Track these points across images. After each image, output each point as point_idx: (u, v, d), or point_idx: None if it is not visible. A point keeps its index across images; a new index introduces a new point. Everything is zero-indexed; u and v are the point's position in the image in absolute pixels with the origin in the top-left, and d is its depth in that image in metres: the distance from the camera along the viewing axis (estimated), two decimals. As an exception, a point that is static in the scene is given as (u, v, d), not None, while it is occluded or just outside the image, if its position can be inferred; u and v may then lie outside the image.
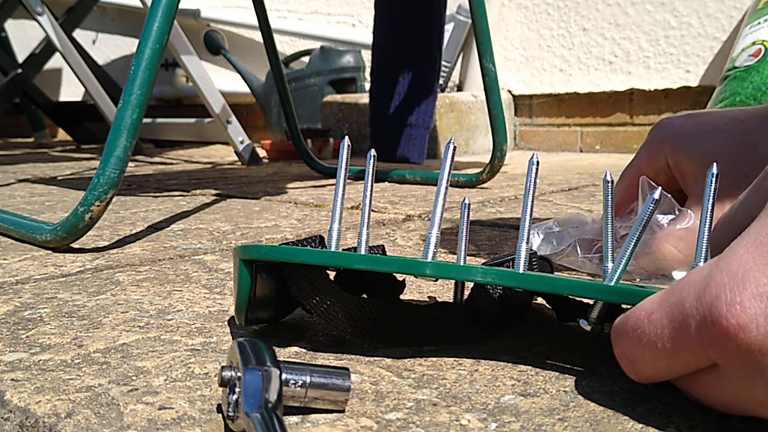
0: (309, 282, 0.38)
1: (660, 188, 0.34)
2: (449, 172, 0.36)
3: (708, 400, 0.29)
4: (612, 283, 0.34)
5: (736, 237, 0.28)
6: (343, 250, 0.42)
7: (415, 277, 0.35)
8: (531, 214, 0.36)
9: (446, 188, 0.36)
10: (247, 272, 0.38)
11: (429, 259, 0.35)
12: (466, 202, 0.38)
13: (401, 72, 1.67)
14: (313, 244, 0.40)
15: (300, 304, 0.39)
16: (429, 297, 0.51)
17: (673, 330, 0.28)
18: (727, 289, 0.26)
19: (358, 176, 1.36)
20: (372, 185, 0.39)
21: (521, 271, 0.36)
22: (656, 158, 0.54)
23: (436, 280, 0.38)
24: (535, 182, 0.36)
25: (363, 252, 0.39)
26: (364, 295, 0.45)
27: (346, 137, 0.39)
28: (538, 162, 0.37)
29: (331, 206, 0.39)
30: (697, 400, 0.30)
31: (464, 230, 0.38)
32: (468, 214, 0.38)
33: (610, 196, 0.36)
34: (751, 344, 0.25)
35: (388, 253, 0.47)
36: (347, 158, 0.39)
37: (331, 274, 0.42)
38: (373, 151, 0.39)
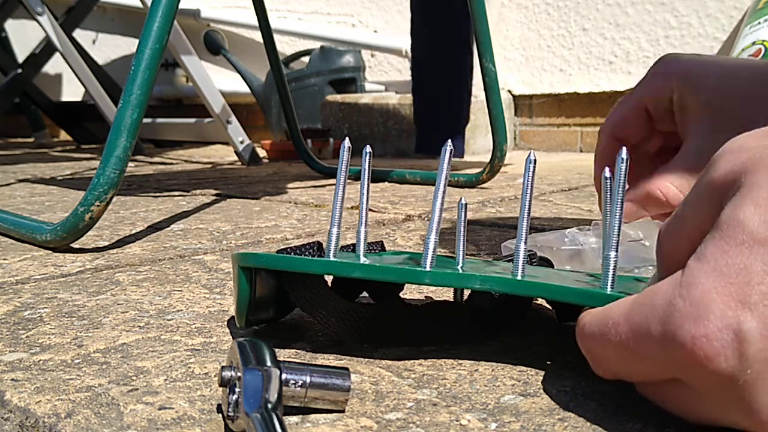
0: (308, 289, 0.38)
1: (625, 148, 0.34)
2: (447, 176, 0.36)
3: (677, 411, 0.29)
4: (608, 291, 0.34)
5: (687, 247, 0.28)
6: (342, 247, 0.42)
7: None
8: (529, 214, 0.36)
9: (444, 192, 0.36)
10: (245, 279, 0.38)
11: (428, 266, 0.35)
12: (463, 202, 0.38)
13: (441, 74, 1.75)
14: (311, 251, 0.40)
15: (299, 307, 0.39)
16: (428, 296, 0.51)
17: (637, 346, 0.28)
18: (692, 320, 0.25)
19: (358, 176, 1.36)
20: (369, 183, 0.39)
21: (519, 274, 0.36)
22: (661, 90, 0.49)
23: None
24: (532, 181, 0.36)
25: (362, 251, 0.39)
26: (365, 293, 0.45)
27: (347, 139, 0.39)
28: (535, 160, 0.36)
29: (331, 206, 0.39)
30: (667, 409, 0.30)
31: (461, 231, 0.38)
32: (465, 214, 0.38)
33: (609, 192, 0.35)
34: (721, 373, 0.25)
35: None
36: (347, 161, 0.38)
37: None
38: (368, 148, 0.38)
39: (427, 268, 0.35)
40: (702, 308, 0.25)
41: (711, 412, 0.27)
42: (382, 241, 0.46)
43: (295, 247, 0.40)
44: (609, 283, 0.34)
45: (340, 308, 0.38)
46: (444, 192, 0.36)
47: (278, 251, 0.39)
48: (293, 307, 0.44)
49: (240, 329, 0.44)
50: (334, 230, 0.38)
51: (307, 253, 0.40)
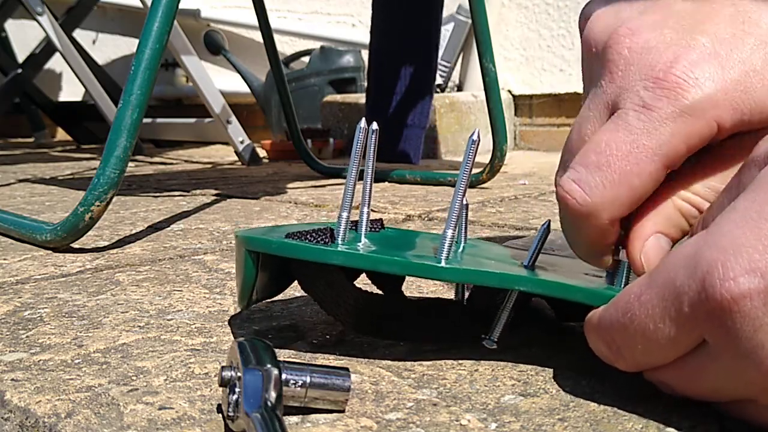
0: (321, 278, 0.38)
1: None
2: (471, 168, 0.35)
3: (692, 387, 0.29)
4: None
5: None
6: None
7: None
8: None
9: (466, 185, 0.35)
10: (252, 263, 0.38)
11: (443, 261, 0.35)
12: (465, 203, 0.37)
13: (398, 72, 1.66)
14: (324, 237, 0.39)
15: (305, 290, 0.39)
16: (429, 295, 0.51)
17: (664, 309, 0.28)
18: (719, 265, 0.25)
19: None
20: (374, 161, 0.38)
21: (541, 273, 0.36)
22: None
23: None
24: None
25: (363, 230, 0.39)
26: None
27: (363, 120, 0.38)
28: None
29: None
30: (678, 391, 0.30)
31: (463, 231, 0.38)
32: (466, 214, 0.38)
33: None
34: (745, 318, 0.25)
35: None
36: (364, 143, 0.37)
37: None
38: (375, 125, 0.37)
39: (443, 264, 0.35)
40: (730, 253, 0.25)
41: (727, 376, 0.27)
42: (381, 219, 0.45)
43: (306, 232, 0.38)
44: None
45: (352, 300, 0.38)
46: (466, 185, 0.35)
47: (287, 235, 0.37)
48: (291, 281, 0.43)
49: (240, 329, 0.44)
50: (344, 214, 0.37)
51: (319, 238, 0.39)
